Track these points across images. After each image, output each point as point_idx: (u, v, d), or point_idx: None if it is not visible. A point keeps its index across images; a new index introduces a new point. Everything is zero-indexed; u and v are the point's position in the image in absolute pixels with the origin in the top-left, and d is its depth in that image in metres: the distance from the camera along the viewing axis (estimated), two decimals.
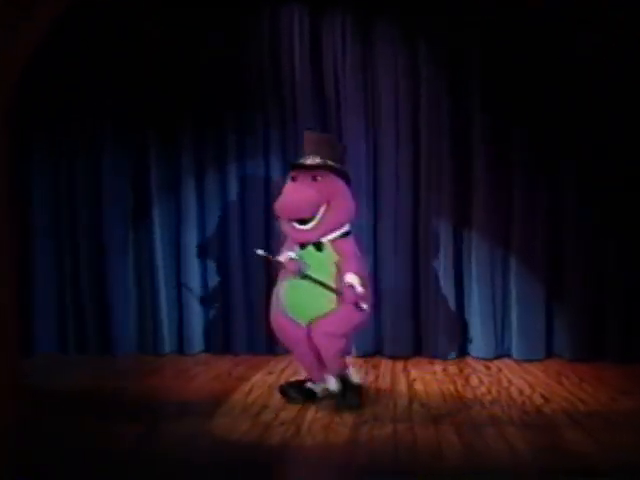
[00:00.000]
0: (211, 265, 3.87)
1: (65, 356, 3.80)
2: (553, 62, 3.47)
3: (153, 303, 3.84)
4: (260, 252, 2.84)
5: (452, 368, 3.44)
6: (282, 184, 2.92)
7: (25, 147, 3.84)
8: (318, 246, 2.71)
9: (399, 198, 3.67)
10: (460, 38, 3.57)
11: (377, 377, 3.25)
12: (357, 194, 3.63)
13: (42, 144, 3.89)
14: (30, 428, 2.51)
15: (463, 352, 3.68)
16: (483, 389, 3.03)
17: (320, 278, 2.67)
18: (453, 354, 3.63)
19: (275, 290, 2.86)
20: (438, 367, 3.47)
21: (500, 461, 2.16)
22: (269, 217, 3.55)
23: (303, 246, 2.74)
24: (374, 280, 3.64)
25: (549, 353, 3.63)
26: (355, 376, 2.83)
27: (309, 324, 2.71)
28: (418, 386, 3.09)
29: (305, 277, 2.70)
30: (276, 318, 2.82)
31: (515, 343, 3.63)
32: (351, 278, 2.64)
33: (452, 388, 3.05)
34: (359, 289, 2.62)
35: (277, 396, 2.85)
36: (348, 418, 2.59)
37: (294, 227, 2.73)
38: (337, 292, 2.65)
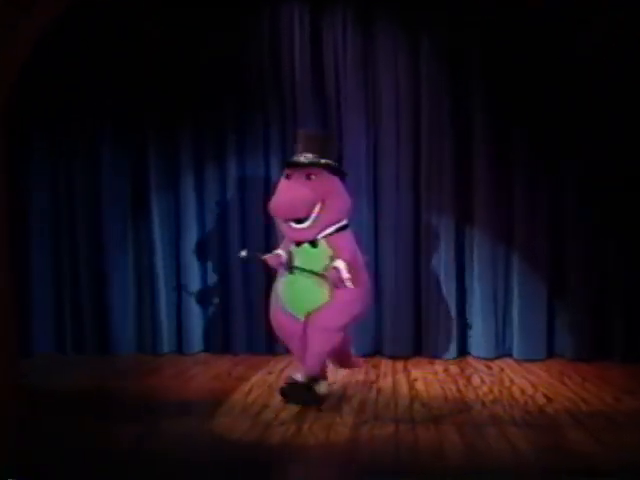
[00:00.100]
0: (211, 265, 3.86)
1: (64, 356, 3.79)
2: (553, 62, 3.47)
3: (152, 303, 3.83)
4: (243, 253, 2.87)
5: (453, 368, 3.43)
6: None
7: (24, 146, 3.83)
8: (312, 242, 2.71)
9: (400, 197, 3.66)
10: (460, 38, 3.57)
11: (377, 377, 3.23)
12: (357, 193, 3.64)
13: (41, 143, 3.88)
14: (30, 428, 2.50)
15: (464, 352, 3.67)
16: (485, 389, 3.01)
17: (307, 267, 2.68)
18: (454, 354, 3.62)
19: (274, 287, 2.87)
20: (439, 367, 3.45)
21: (502, 461, 2.15)
22: (269, 216, 3.53)
23: (299, 244, 2.74)
24: (375, 279, 3.64)
25: (551, 353, 3.61)
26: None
27: (306, 317, 2.70)
28: (419, 386, 3.08)
29: (292, 269, 2.71)
30: (275, 314, 2.83)
31: (517, 343, 3.61)
32: (338, 263, 2.64)
33: (453, 388, 3.04)
34: (344, 273, 2.60)
35: (277, 396, 2.83)
36: (349, 418, 2.58)
37: (290, 226, 2.73)
38: (324, 276, 2.65)
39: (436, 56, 3.61)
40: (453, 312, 3.64)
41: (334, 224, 2.74)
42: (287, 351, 3.11)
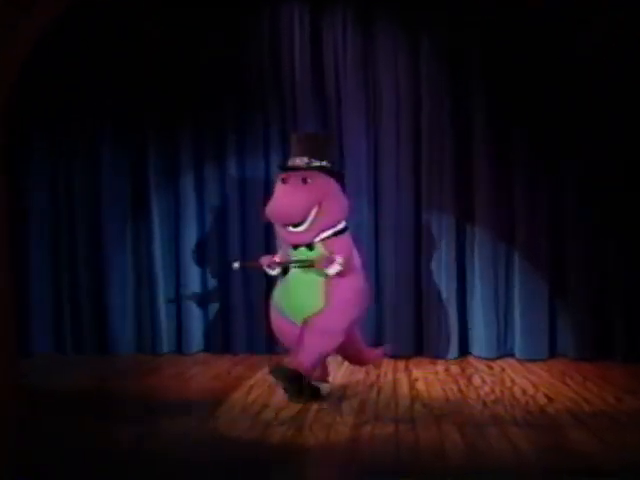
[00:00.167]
0: (210, 265, 3.85)
1: (63, 356, 3.79)
2: (553, 62, 3.46)
3: (152, 303, 3.83)
4: (236, 265, 2.91)
5: (454, 368, 3.42)
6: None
7: (24, 146, 3.83)
8: (309, 246, 2.71)
9: (400, 197, 3.65)
10: (460, 38, 3.56)
11: (378, 377, 3.22)
12: (358, 193, 3.65)
13: (41, 144, 3.89)
14: (30, 428, 2.50)
15: (465, 352, 3.65)
16: (486, 389, 3.00)
17: (298, 257, 2.70)
18: (455, 354, 3.61)
19: (273, 292, 2.88)
20: (440, 367, 3.44)
21: (503, 461, 2.13)
22: None
23: (296, 247, 2.74)
24: (375, 279, 3.64)
25: (552, 352, 3.60)
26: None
27: (303, 321, 2.70)
28: (420, 386, 3.07)
29: (286, 267, 2.71)
30: (275, 320, 2.84)
31: (518, 343, 3.60)
32: (335, 257, 2.64)
33: (455, 388, 3.03)
34: (338, 264, 2.59)
35: (277, 395, 2.83)
36: (349, 418, 2.57)
37: (287, 229, 2.74)
38: (314, 262, 2.65)
39: (436, 56, 3.61)
40: (454, 312, 3.63)
41: (332, 226, 2.74)
42: (287, 352, 3.10)
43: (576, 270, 3.54)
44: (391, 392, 2.96)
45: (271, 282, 3.09)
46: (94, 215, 3.84)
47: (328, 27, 3.67)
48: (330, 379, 2.94)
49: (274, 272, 2.84)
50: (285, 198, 2.73)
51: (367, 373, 3.27)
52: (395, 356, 3.62)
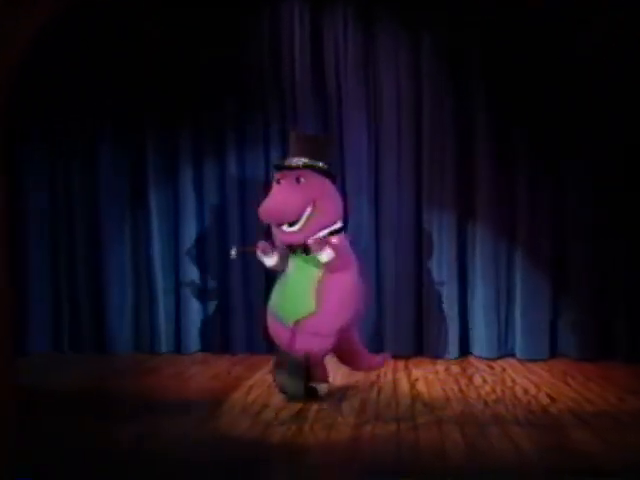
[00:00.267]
0: (209, 265, 3.83)
1: (61, 355, 3.78)
2: (553, 60, 3.45)
3: (150, 302, 3.81)
4: (233, 253, 2.87)
5: (455, 368, 3.40)
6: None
7: (24, 146, 3.81)
8: (306, 250, 2.69)
9: (401, 195, 3.64)
10: (460, 37, 3.55)
11: (379, 376, 3.20)
12: (358, 191, 3.64)
13: (41, 144, 3.88)
14: (29, 428, 2.48)
15: (466, 351, 3.64)
16: (487, 388, 2.99)
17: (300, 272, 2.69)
18: (455, 353, 3.59)
19: (271, 294, 2.88)
20: (440, 367, 3.43)
21: (505, 461, 2.12)
22: None
23: (292, 248, 2.73)
24: (376, 278, 3.62)
25: (553, 352, 3.58)
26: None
27: (294, 324, 2.69)
28: (420, 386, 3.05)
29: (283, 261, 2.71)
30: (270, 324, 2.84)
31: (519, 343, 3.58)
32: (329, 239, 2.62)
33: (455, 388, 3.01)
34: (330, 249, 2.58)
35: (277, 396, 2.81)
36: (350, 418, 2.56)
37: (281, 229, 2.73)
38: (308, 248, 2.64)
39: (437, 54, 3.60)
40: (455, 311, 3.62)
41: (326, 226, 2.72)
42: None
43: (578, 269, 3.53)
44: (392, 392, 2.95)
45: (270, 281, 3.07)
46: (92, 215, 3.83)
47: (328, 26, 3.66)
48: (330, 379, 2.92)
49: (268, 260, 2.80)
50: (278, 197, 2.72)
51: (367, 373, 3.25)
52: (395, 356, 3.61)
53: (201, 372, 3.39)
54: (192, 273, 3.83)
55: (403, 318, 3.63)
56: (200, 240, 3.85)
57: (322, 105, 3.68)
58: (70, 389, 3.04)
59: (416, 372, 3.31)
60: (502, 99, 3.54)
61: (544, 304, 3.57)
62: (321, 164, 2.74)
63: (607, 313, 3.50)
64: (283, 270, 2.83)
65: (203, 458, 2.18)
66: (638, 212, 3.43)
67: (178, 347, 3.82)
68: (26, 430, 2.45)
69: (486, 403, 2.75)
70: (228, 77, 3.71)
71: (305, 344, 2.67)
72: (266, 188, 3.61)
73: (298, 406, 2.69)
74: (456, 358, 3.58)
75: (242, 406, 2.74)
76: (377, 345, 3.67)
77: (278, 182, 2.77)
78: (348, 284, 2.73)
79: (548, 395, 2.85)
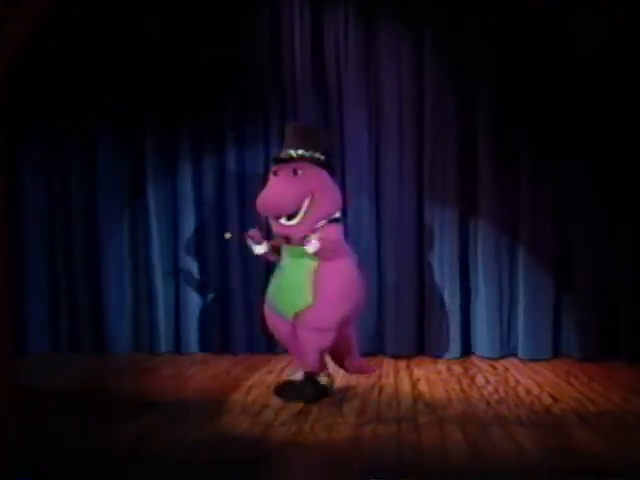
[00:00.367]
0: (209, 264, 3.81)
1: (60, 355, 3.76)
2: (554, 59, 3.43)
3: (149, 301, 3.80)
4: (227, 235, 2.85)
5: (457, 368, 3.38)
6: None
7: (22, 146, 3.81)
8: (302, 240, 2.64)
9: (402, 192, 3.61)
10: (460, 37, 3.54)
11: (380, 376, 3.19)
12: (359, 188, 3.62)
13: (40, 144, 3.86)
14: (28, 428, 2.47)
15: (468, 351, 3.62)
16: (490, 389, 2.96)
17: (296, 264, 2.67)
18: (457, 353, 3.57)
19: (268, 287, 2.86)
20: (442, 366, 3.40)
21: (507, 461, 2.10)
22: None
23: (288, 240, 2.70)
24: (377, 276, 3.60)
25: (556, 352, 3.56)
26: (324, 379, 2.78)
27: (294, 318, 2.67)
28: (422, 386, 3.03)
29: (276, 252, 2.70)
30: (268, 315, 2.81)
31: (521, 342, 3.56)
32: (313, 236, 2.59)
33: (457, 388, 2.99)
34: (313, 243, 2.55)
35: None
36: (351, 418, 2.54)
37: (279, 223, 2.70)
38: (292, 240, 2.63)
39: (438, 51, 3.58)
40: (456, 311, 3.59)
41: (325, 219, 2.70)
42: (286, 350, 3.07)
43: (581, 268, 3.50)
44: (393, 392, 2.92)
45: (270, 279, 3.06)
46: (91, 214, 3.82)
47: (329, 23, 3.64)
48: (330, 372, 2.88)
49: (257, 248, 2.76)
50: (275, 189, 2.69)
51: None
52: (397, 356, 3.59)
53: (201, 372, 3.36)
54: (192, 273, 3.81)
55: (404, 317, 3.61)
56: (200, 240, 3.83)
57: (323, 103, 3.66)
58: (70, 389, 3.03)
59: (418, 372, 3.29)
60: (503, 98, 3.52)
61: (547, 303, 3.54)
62: (318, 155, 2.71)
63: (610, 313, 3.48)
64: (278, 261, 2.81)
65: (203, 458, 2.16)
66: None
67: (178, 347, 3.80)
68: (26, 430, 2.44)
69: (488, 403, 2.73)
70: (228, 77, 3.70)
71: (309, 342, 2.64)
72: (265, 183, 3.63)
73: (298, 406, 2.67)
74: (458, 358, 3.56)
75: (242, 406, 2.73)
76: (378, 345, 3.66)
77: (275, 174, 2.74)
78: (344, 272, 2.70)
79: (551, 395, 2.83)
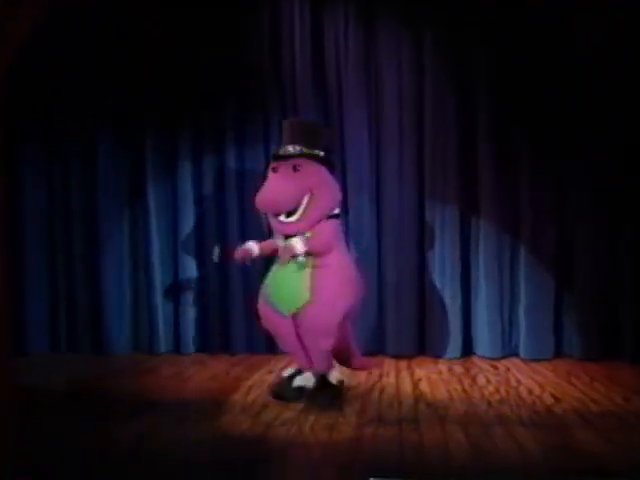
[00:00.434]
0: (209, 264, 3.78)
1: (59, 355, 3.76)
2: (553, 58, 3.43)
3: (149, 302, 3.79)
4: (215, 255, 2.83)
5: (458, 368, 3.37)
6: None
7: (22, 146, 3.81)
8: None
9: (403, 192, 3.61)
10: (460, 37, 3.54)
11: (381, 376, 3.18)
12: (360, 187, 3.61)
13: (40, 144, 3.86)
14: (29, 428, 2.46)
15: (469, 351, 3.60)
16: (491, 389, 2.96)
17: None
18: (458, 353, 3.56)
19: (265, 279, 2.84)
20: (443, 367, 3.39)
21: (509, 461, 2.09)
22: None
23: (287, 237, 2.68)
24: (377, 275, 3.59)
25: (558, 352, 3.55)
26: (336, 376, 2.77)
27: (293, 316, 2.66)
28: (423, 386, 3.02)
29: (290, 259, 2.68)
30: (262, 308, 2.79)
31: (523, 342, 3.55)
32: (294, 241, 2.59)
33: (459, 388, 2.98)
34: (297, 249, 2.55)
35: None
36: (352, 418, 2.53)
37: (279, 220, 2.68)
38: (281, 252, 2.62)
39: (438, 51, 3.57)
40: (458, 310, 3.58)
41: (324, 215, 2.68)
42: (282, 347, 3.05)
43: (582, 267, 3.49)
44: (394, 392, 2.91)
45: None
46: (91, 215, 3.81)
47: (329, 22, 3.64)
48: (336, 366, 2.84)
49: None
50: (274, 186, 2.68)
51: (369, 373, 3.21)
52: (397, 355, 3.58)
53: (201, 372, 3.35)
54: (191, 272, 3.80)
55: (405, 317, 3.60)
56: (199, 240, 3.81)
57: (323, 103, 3.65)
58: (69, 389, 3.02)
59: (419, 372, 3.27)
60: (503, 98, 3.52)
61: (548, 303, 3.53)
62: (317, 152, 2.70)
63: (612, 312, 3.46)
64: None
65: (203, 458, 2.16)
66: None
67: (177, 347, 3.79)
68: (26, 430, 2.43)
69: (490, 403, 2.72)
70: (228, 77, 3.69)
71: (316, 345, 2.64)
72: (264, 180, 3.62)
73: (299, 407, 2.66)
74: (459, 358, 3.55)
75: (242, 406, 2.72)
76: (379, 345, 3.64)
77: (274, 171, 2.73)
78: (342, 268, 2.68)
79: (552, 395, 2.82)
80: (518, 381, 3.09)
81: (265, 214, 2.81)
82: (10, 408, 2.61)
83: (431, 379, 3.14)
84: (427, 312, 3.62)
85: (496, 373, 3.25)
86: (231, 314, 3.75)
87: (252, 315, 3.60)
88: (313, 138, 2.71)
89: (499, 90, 3.52)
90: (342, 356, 2.85)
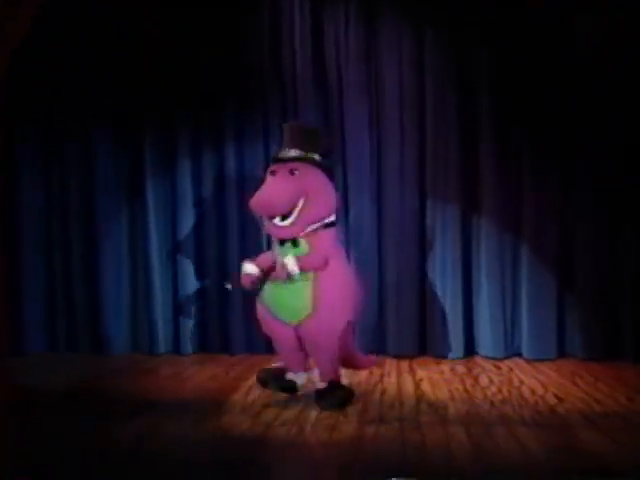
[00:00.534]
0: (208, 264, 3.78)
1: (57, 355, 3.74)
2: (553, 58, 3.42)
3: (147, 302, 3.78)
4: (229, 286, 2.84)
5: (460, 368, 3.35)
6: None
7: (21, 146, 3.80)
8: (294, 242, 2.63)
9: (404, 191, 3.60)
10: (461, 37, 3.54)
11: (382, 376, 3.16)
12: (360, 186, 3.60)
13: (40, 144, 3.86)
14: (29, 428, 2.45)
15: (471, 351, 3.59)
16: (493, 389, 2.93)
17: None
18: (460, 353, 3.54)
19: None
20: (445, 367, 3.38)
21: (511, 461, 2.07)
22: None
23: (283, 242, 2.68)
24: (378, 276, 3.58)
25: (561, 352, 3.53)
26: (343, 379, 2.77)
27: (296, 326, 2.65)
28: (425, 386, 3.00)
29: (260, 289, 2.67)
30: (264, 317, 2.76)
31: (525, 342, 3.53)
32: (286, 259, 2.57)
33: (461, 388, 2.96)
34: (291, 269, 2.54)
35: (277, 396, 2.76)
36: (353, 418, 2.51)
37: (273, 223, 2.67)
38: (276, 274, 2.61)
39: (439, 50, 3.57)
40: (459, 310, 3.56)
41: (319, 220, 2.66)
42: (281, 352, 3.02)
43: (585, 267, 3.47)
44: (396, 392, 2.90)
45: None
46: (90, 214, 3.80)
47: (329, 21, 3.63)
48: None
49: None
50: (270, 189, 2.67)
51: (371, 373, 3.20)
52: (399, 356, 3.56)
53: (200, 372, 3.34)
54: (190, 272, 3.79)
55: (406, 317, 3.58)
56: (198, 239, 3.81)
57: (323, 102, 3.65)
58: (69, 389, 3.01)
59: (421, 372, 3.26)
60: (504, 97, 3.51)
61: (550, 302, 3.51)
62: (316, 156, 2.69)
63: (615, 312, 3.44)
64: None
65: (203, 458, 2.14)
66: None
67: (177, 347, 3.78)
68: (25, 430, 2.42)
69: (492, 403, 2.70)
70: (228, 77, 3.69)
71: (323, 355, 2.64)
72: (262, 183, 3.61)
73: (299, 407, 2.64)
74: (461, 358, 3.53)
75: (242, 406, 2.70)
76: (380, 345, 3.62)
77: (272, 174, 2.72)
78: (342, 276, 2.67)
79: (556, 395, 2.80)
80: (521, 381, 3.07)
81: (260, 217, 2.79)
82: (10, 408, 2.61)
83: (433, 379, 3.12)
84: (428, 312, 3.60)
85: (499, 373, 3.24)
86: (230, 314, 3.73)
87: (251, 316, 3.62)
88: (313, 142, 2.71)
89: (500, 90, 3.52)
90: (344, 358, 2.84)
